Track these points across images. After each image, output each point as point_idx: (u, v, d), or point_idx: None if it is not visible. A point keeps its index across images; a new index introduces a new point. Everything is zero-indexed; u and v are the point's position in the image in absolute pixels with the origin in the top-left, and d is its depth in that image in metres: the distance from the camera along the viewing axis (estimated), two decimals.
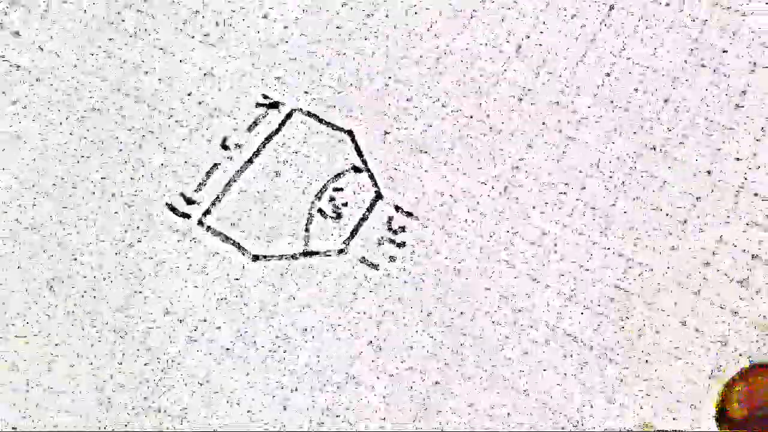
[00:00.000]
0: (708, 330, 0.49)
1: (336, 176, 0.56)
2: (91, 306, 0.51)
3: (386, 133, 0.57)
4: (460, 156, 0.56)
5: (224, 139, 0.57)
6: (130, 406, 0.47)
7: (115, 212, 0.54)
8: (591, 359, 0.49)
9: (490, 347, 0.49)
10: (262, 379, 0.48)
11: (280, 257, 0.53)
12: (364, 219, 0.54)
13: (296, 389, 0.48)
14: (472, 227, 0.53)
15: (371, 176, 0.56)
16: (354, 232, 0.53)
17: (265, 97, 0.59)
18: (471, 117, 0.58)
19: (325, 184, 0.55)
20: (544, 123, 0.57)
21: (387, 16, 0.63)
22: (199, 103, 0.59)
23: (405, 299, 0.51)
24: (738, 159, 0.55)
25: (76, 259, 0.52)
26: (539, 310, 0.50)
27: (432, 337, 0.50)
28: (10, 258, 0.52)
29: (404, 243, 0.53)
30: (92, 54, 0.61)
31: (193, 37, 0.62)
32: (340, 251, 0.53)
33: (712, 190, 0.54)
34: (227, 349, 0.49)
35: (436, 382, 0.48)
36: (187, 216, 0.54)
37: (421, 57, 0.61)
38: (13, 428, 0.47)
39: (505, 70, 0.60)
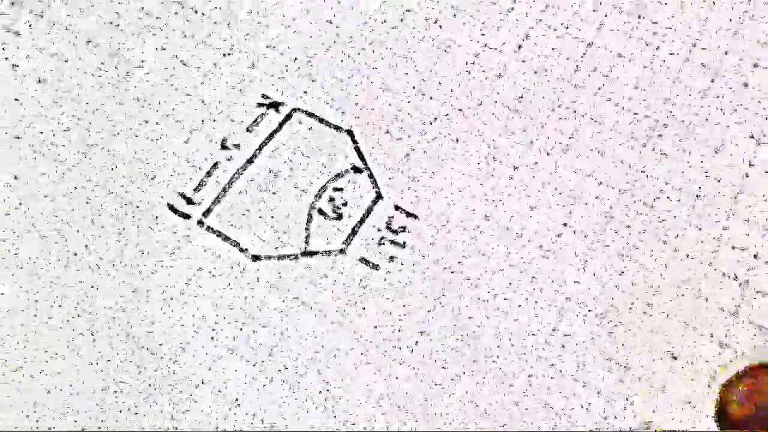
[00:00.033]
0: (708, 330, 0.49)
1: (336, 176, 0.56)
2: (91, 306, 0.51)
3: (386, 133, 0.57)
4: (460, 156, 0.56)
5: (224, 139, 0.57)
6: (129, 406, 0.47)
7: (115, 212, 0.54)
8: (591, 359, 0.49)
9: (489, 347, 0.49)
10: (263, 379, 0.48)
11: (280, 257, 0.53)
12: (364, 219, 0.54)
13: (296, 389, 0.48)
14: (471, 227, 0.53)
15: (371, 176, 0.56)
16: (354, 232, 0.53)
17: (265, 97, 0.59)
18: (471, 117, 0.58)
19: (325, 184, 0.55)
20: (543, 124, 0.57)
21: (387, 16, 0.63)
22: (199, 103, 0.59)
23: (405, 299, 0.51)
24: (738, 160, 0.55)
25: (76, 259, 0.52)
26: (539, 309, 0.50)
27: (431, 336, 0.50)
28: (9, 257, 0.52)
29: (404, 243, 0.53)
30: (92, 54, 0.61)
31: (193, 37, 0.62)
32: (340, 251, 0.53)
33: (712, 190, 0.54)
34: (227, 348, 0.49)
35: (436, 382, 0.48)
36: (187, 216, 0.54)
37: (421, 57, 0.61)
38: (13, 428, 0.47)
39: (505, 70, 0.60)
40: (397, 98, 0.59)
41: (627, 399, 0.47)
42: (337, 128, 0.58)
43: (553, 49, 0.61)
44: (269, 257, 0.53)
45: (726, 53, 0.60)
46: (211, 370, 0.49)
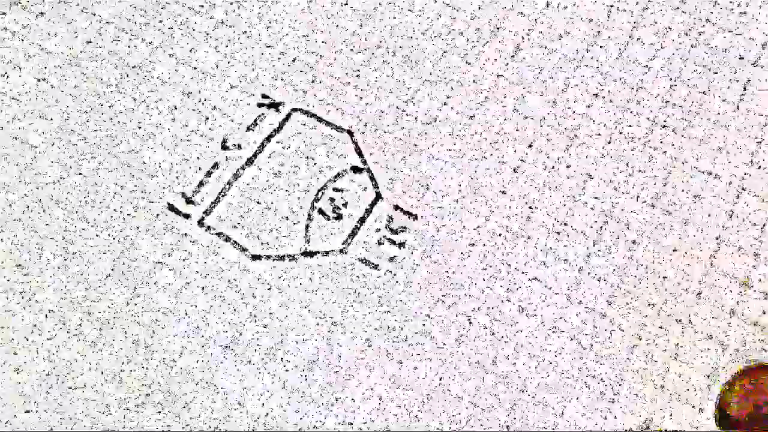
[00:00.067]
0: (708, 330, 0.49)
1: (336, 176, 0.56)
2: (92, 306, 0.51)
3: (386, 133, 0.57)
4: (461, 156, 0.56)
5: (224, 139, 0.57)
6: (130, 406, 0.47)
7: (116, 212, 0.54)
8: (591, 359, 0.49)
9: (489, 346, 0.49)
10: (262, 379, 0.48)
11: (280, 257, 0.53)
12: (364, 219, 0.54)
13: (296, 389, 0.48)
14: (472, 227, 0.53)
15: (371, 176, 0.56)
16: (354, 232, 0.53)
17: (265, 97, 0.59)
18: (471, 117, 0.58)
19: (325, 184, 0.55)
20: (543, 123, 0.57)
21: (387, 17, 0.63)
22: (199, 103, 0.59)
23: (405, 299, 0.51)
24: (738, 159, 0.55)
25: (76, 259, 0.52)
26: (540, 309, 0.50)
27: (432, 336, 0.50)
28: (9, 257, 0.52)
29: (404, 243, 0.53)
30: (92, 54, 0.61)
31: (193, 37, 0.62)
32: (340, 251, 0.53)
33: (713, 190, 0.54)
34: (227, 348, 0.49)
35: (436, 382, 0.48)
36: (187, 216, 0.54)
37: (421, 57, 0.61)
38: (13, 428, 0.47)
39: (505, 69, 0.60)
40: (397, 98, 0.59)
41: (627, 399, 0.47)
42: (337, 128, 0.58)
43: (553, 48, 0.61)
44: (269, 257, 0.53)
45: (726, 52, 0.60)
46: (211, 369, 0.49)
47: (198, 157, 0.57)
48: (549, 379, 0.48)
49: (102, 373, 0.49)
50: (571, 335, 0.49)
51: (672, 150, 0.56)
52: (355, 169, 0.56)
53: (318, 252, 0.53)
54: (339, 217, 0.54)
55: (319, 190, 0.55)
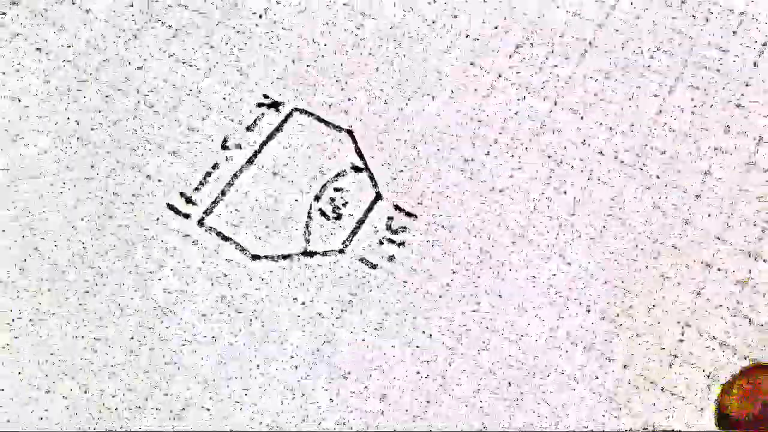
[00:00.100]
0: (708, 330, 0.49)
1: (336, 176, 0.56)
2: (91, 306, 0.51)
3: (386, 132, 0.57)
4: (461, 156, 0.56)
5: (224, 139, 0.57)
6: (130, 406, 0.47)
7: (116, 212, 0.54)
8: (591, 360, 0.49)
9: (489, 346, 0.49)
10: (263, 379, 0.48)
11: (280, 257, 0.53)
12: (364, 219, 0.54)
13: (296, 389, 0.48)
14: (472, 227, 0.53)
15: (371, 176, 0.56)
16: (354, 232, 0.53)
17: (266, 96, 0.59)
18: (472, 117, 0.58)
19: (325, 184, 0.55)
20: (544, 123, 0.57)
21: (386, 16, 0.63)
22: (199, 103, 0.59)
23: (405, 299, 0.51)
24: (738, 159, 0.55)
25: (75, 259, 0.52)
26: (539, 309, 0.50)
27: (432, 336, 0.50)
28: (9, 258, 0.52)
29: (404, 243, 0.53)
30: (92, 54, 0.61)
31: (193, 37, 0.62)
32: (340, 251, 0.53)
33: (713, 190, 0.54)
34: (227, 348, 0.49)
35: (437, 382, 0.48)
36: (187, 216, 0.54)
37: (421, 56, 0.61)
38: (13, 428, 0.47)
39: (506, 69, 0.60)
40: (397, 98, 0.59)
41: (627, 399, 0.47)
42: (337, 128, 0.58)
43: (553, 48, 0.61)
44: (269, 257, 0.53)
45: (726, 52, 0.60)
46: (211, 370, 0.49)
47: (198, 157, 0.57)
48: (549, 379, 0.48)
49: (101, 373, 0.49)
50: (572, 335, 0.49)
51: (672, 150, 0.56)
52: (355, 169, 0.56)
53: (318, 252, 0.53)
54: (339, 217, 0.54)
55: (319, 190, 0.55)
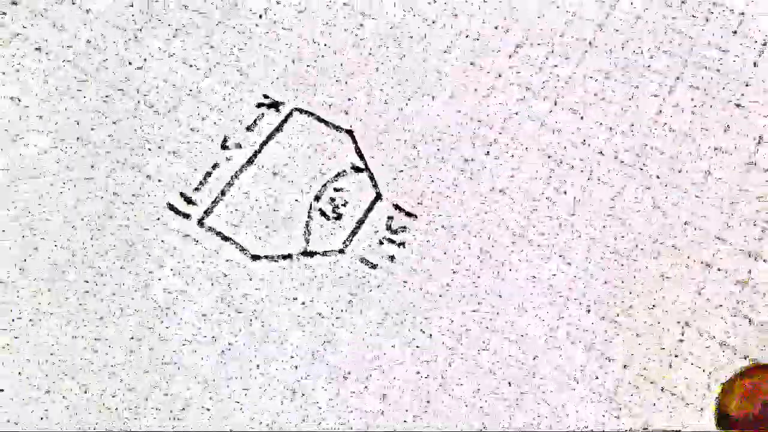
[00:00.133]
0: (708, 330, 0.49)
1: (336, 176, 0.56)
2: (91, 306, 0.51)
3: (386, 133, 0.57)
4: (461, 156, 0.56)
5: (224, 139, 0.57)
6: (130, 406, 0.47)
7: (116, 212, 0.54)
8: (591, 360, 0.49)
9: (490, 346, 0.49)
10: (263, 379, 0.48)
11: (280, 257, 0.53)
12: (364, 219, 0.54)
13: (296, 389, 0.48)
14: (472, 227, 0.53)
15: (371, 176, 0.56)
16: (354, 232, 0.53)
17: (266, 96, 0.59)
18: (472, 117, 0.58)
19: (325, 184, 0.55)
20: (544, 123, 0.57)
21: (386, 16, 0.63)
22: (199, 103, 0.59)
23: (405, 299, 0.51)
24: (738, 159, 0.55)
25: (75, 259, 0.52)
26: (539, 310, 0.50)
27: (431, 336, 0.50)
28: (9, 258, 0.52)
29: (404, 243, 0.53)
30: (92, 54, 0.61)
31: (193, 37, 0.62)
32: (340, 251, 0.53)
33: (712, 190, 0.54)
34: (227, 348, 0.49)
35: (437, 382, 0.48)
36: (187, 216, 0.54)
37: (421, 56, 0.61)
38: (13, 428, 0.47)
39: (506, 69, 0.60)
40: (397, 98, 0.59)
41: (627, 399, 0.47)
42: (337, 128, 0.58)
43: (553, 47, 0.61)
44: (269, 257, 0.53)
45: (726, 52, 0.60)
46: (212, 370, 0.49)
47: (198, 157, 0.57)
48: (549, 379, 0.48)
49: (101, 372, 0.49)
50: (572, 335, 0.49)
51: (672, 150, 0.56)
52: (355, 169, 0.56)
53: (318, 252, 0.53)
54: (339, 217, 0.54)
55: (319, 190, 0.55)
